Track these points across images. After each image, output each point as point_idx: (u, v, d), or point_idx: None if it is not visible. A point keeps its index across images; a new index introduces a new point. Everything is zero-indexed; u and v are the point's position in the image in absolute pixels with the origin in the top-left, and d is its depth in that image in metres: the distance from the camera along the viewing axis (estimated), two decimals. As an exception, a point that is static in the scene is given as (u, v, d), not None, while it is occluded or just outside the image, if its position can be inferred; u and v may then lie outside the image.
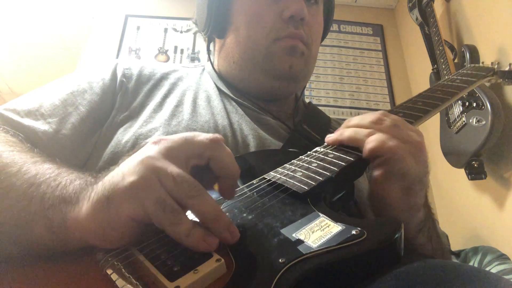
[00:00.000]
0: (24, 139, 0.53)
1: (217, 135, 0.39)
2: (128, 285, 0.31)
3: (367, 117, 0.50)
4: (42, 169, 0.41)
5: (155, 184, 0.33)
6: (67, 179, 0.39)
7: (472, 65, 0.77)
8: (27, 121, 0.56)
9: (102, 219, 0.34)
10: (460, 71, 0.71)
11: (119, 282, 0.32)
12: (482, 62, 0.84)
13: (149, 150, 0.36)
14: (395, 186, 0.46)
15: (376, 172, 0.46)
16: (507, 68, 0.84)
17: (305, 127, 0.70)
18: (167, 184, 0.33)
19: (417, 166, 0.46)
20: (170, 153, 0.36)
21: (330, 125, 0.77)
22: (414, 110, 0.55)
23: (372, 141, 0.45)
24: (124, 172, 0.35)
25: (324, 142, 0.53)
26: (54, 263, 0.36)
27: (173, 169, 0.34)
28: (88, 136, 0.61)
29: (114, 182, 0.34)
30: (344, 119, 1.91)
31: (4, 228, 0.38)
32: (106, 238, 0.34)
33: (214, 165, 0.38)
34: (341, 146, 0.50)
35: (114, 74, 0.68)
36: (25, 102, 0.59)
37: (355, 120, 0.51)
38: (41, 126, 0.57)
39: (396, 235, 0.34)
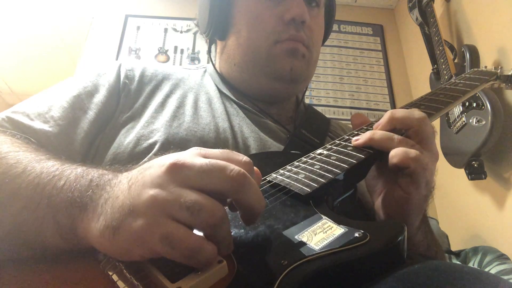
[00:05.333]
0: (34, 143, 0.53)
1: (243, 174, 0.33)
2: (128, 286, 0.32)
3: (398, 117, 0.49)
4: (46, 167, 0.41)
5: (161, 223, 0.31)
6: (71, 177, 0.39)
7: (475, 69, 0.77)
8: (38, 124, 0.56)
9: (110, 248, 0.33)
10: (462, 75, 0.71)
11: (120, 283, 0.32)
12: (485, 66, 0.83)
13: (163, 179, 0.32)
14: (419, 195, 0.47)
15: (403, 182, 0.46)
16: (510, 73, 0.83)
17: (303, 131, 0.70)
18: (181, 217, 0.31)
19: (433, 174, 0.48)
20: (187, 181, 0.32)
21: (329, 128, 0.77)
22: None
23: (398, 155, 0.45)
24: (133, 206, 0.32)
25: (324, 145, 0.53)
26: (55, 264, 0.36)
27: (187, 197, 0.31)
28: (95, 138, 0.61)
29: (123, 214, 0.32)
30: (344, 119, 1.90)
31: (16, 234, 0.38)
32: (116, 257, 0.34)
33: (237, 205, 0.35)
34: (345, 148, 0.50)
35: (118, 75, 0.68)
36: (34, 105, 0.59)
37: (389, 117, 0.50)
38: (52, 129, 0.57)
39: (399, 238, 0.34)
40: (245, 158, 0.35)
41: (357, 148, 0.48)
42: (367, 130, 0.52)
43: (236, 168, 0.33)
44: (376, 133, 0.48)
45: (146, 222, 0.31)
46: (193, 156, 0.34)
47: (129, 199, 0.33)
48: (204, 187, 0.32)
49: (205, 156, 0.34)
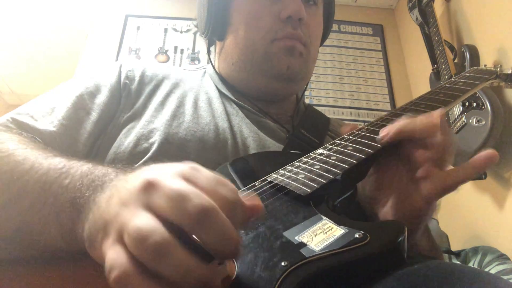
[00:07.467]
0: (40, 141, 0.53)
1: (204, 210, 0.27)
2: None
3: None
4: (53, 164, 0.41)
5: (111, 246, 0.28)
6: (76, 176, 0.38)
7: (475, 68, 0.77)
8: (42, 125, 0.57)
9: (94, 258, 0.32)
10: (462, 73, 0.71)
11: None
12: (485, 65, 0.83)
13: (132, 197, 0.30)
14: (435, 206, 0.46)
15: (428, 191, 0.45)
16: (509, 71, 0.83)
17: (303, 131, 0.70)
18: (126, 242, 0.27)
19: None
20: (151, 204, 0.29)
21: (328, 127, 0.77)
22: (418, 112, 0.55)
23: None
24: (105, 222, 0.31)
25: (323, 145, 0.53)
26: (57, 264, 0.36)
27: (136, 222, 0.27)
28: (97, 138, 0.62)
29: (96, 228, 0.31)
30: (344, 119, 1.89)
31: (22, 233, 0.38)
32: None
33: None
34: (345, 148, 0.50)
35: (118, 76, 0.68)
36: (38, 106, 0.60)
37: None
38: (56, 129, 0.57)
39: (400, 239, 0.34)
40: (227, 194, 0.30)
41: (357, 148, 0.48)
42: (363, 135, 0.52)
43: (199, 202, 0.27)
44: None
45: (107, 245, 0.29)
46: (174, 176, 0.30)
47: (104, 213, 0.31)
48: (165, 214, 0.28)
49: (189, 179, 0.30)
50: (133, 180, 0.32)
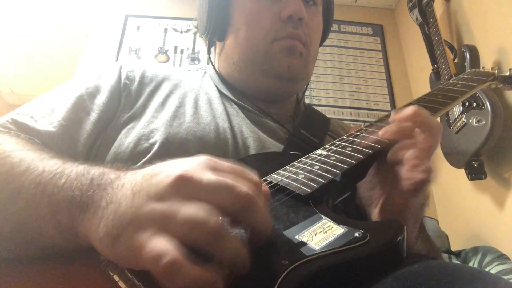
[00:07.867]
0: (38, 143, 0.53)
1: (250, 196, 0.31)
2: (129, 287, 0.32)
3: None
4: (48, 166, 0.41)
5: (155, 240, 0.29)
6: (72, 175, 0.38)
7: (473, 70, 0.78)
8: (42, 125, 0.57)
9: (109, 255, 0.32)
10: (460, 75, 0.72)
11: (122, 283, 0.32)
12: (483, 67, 0.84)
13: (167, 192, 0.31)
14: (416, 203, 0.47)
15: (404, 188, 0.45)
16: (507, 73, 0.84)
17: (302, 131, 0.70)
18: (178, 232, 0.29)
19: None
20: (192, 196, 0.31)
21: (328, 127, 0.77)
22: None
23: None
24: (135, 216, 0.31)
25: (323, 145, 0.53)
26: (57, 264, 0.36)
27: (186, 211, 0.30)
28: (96, 138, 0.62)
29: (124, 223, 0.31)
30: (344, 119, 1.89)
31: (18, 233, 0.38)
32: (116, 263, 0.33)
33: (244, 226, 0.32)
34: (344, 149, 0.50)
35: (119, 76, 0.68)
36: (38, 107, 0.60)
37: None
38: (56, 129, 0.57)
39: (399, 238, 0.34)
40: (255, 178, 0.34)
41: (356, 149, 0.49)
42: (362, 135, 0.52)
43: (244, 189, 0.31)
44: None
45: (144, 237, 0.30)
46: (202, 169, 0.33)
47: (132, 208, 0.32)
48: (215, 203, 0.31)
49: (214, 169, 0.33)
50: (158, 177, 0.33)
